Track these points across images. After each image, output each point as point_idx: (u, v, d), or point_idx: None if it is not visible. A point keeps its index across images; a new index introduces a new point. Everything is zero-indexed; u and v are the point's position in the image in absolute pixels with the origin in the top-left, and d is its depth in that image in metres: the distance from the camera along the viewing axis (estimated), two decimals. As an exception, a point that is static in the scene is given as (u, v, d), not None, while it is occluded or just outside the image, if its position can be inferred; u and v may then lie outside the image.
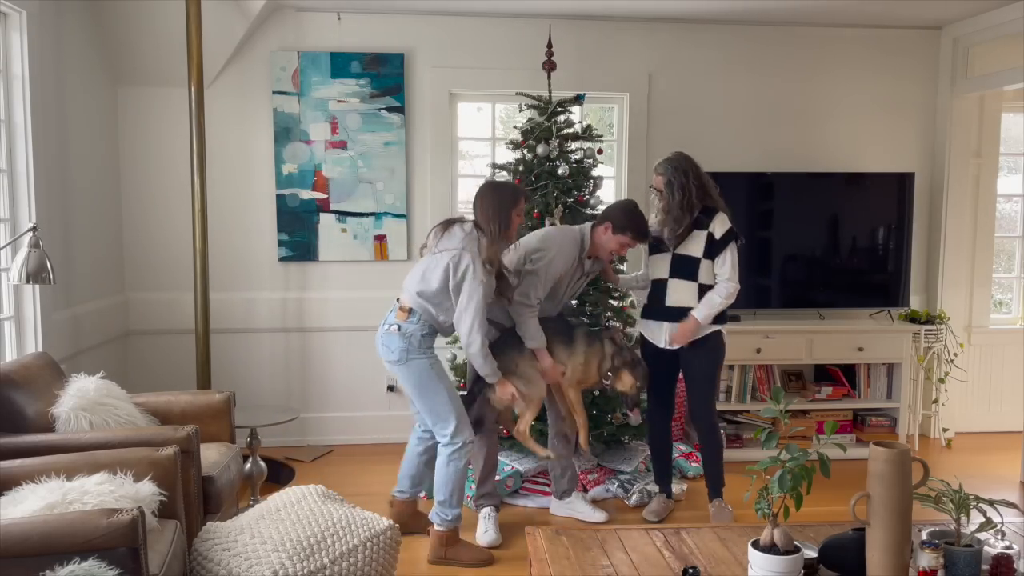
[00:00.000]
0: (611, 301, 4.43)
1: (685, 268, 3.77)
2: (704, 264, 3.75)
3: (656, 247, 3.87)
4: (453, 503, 3.52)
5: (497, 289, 3.51)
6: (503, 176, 4.52)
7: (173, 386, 4.44)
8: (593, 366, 3.76)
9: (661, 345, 3.85)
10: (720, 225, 3.75)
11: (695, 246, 3.74)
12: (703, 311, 3.74)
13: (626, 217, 3.71)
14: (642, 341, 3.97)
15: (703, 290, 3.77)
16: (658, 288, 3.85)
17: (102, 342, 4.45)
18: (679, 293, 3.79)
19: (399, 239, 5.02)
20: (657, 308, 3.85)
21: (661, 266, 3.84)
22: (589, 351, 3.76)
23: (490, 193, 3.50)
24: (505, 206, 3.45)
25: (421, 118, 5.02)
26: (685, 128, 5.14)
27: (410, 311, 3.47)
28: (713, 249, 3.74)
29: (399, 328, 3.47)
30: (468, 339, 3.40)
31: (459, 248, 3.39)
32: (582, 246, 3.76)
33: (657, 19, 5.05)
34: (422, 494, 4.02)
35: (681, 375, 3.95)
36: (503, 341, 3.67)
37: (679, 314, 3.79)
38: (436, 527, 3.53)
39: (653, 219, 3.86)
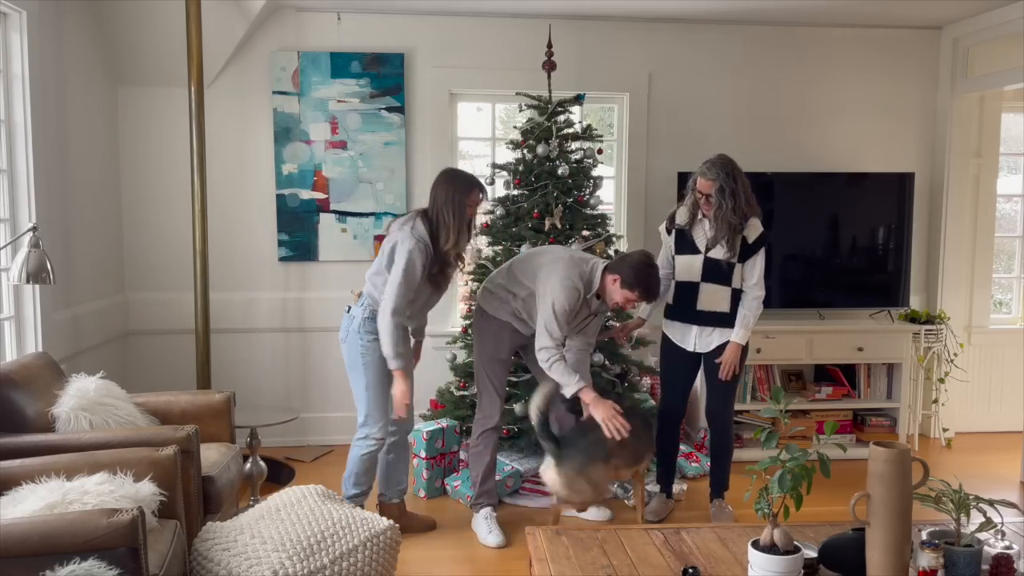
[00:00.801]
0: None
1: (719, 272, 3.74)
2: (736, 269, 3.73)
3: (684, 247, 3.80)
4: (349, 484, 3.66)
5: (435, 280, 3.53)
6: (503, 176, 4.53)
7: (173, 386, 4.44)
8: (603, 481, 3.51)
9: (689, 348, 3.83)
10: (754, 230, 3.72)
11: (721, 249, 3.71)
12: (741, 333, 3.73)
13: (636, 275, 3.45)
14: (663, 339, 3.93)
15: (735, 294, 3.74)
16: (688, 290, 3.79)
17: (102, 342, 4.45)
18: (712, 296, 3.75)
19: (399, 239, 5.02)
20: (687, 311, 3.80)
21: (691, 268, 3.77)
22: (586, 475, 3.43)
23: (444, 183, 3.53)
24: (458, 196, 3.47)
25: (421, 118, 5.02)
26: (685, 128, 5.14)
27: (360, 295, 3.62)
28: (744, 253, 3.72)
29: (348, 309, 3.64)
30: (382, 316, 3.43)
31: (404, 231, 3.48)
32: (589, 285, 3.53)
33: (657, 19, 5.05)
34: (422, 493, 4.05)
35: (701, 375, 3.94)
36: (576, 434, 3.53)
37: (711, 318, 3.76)
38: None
39: (683, 213, 3.81)
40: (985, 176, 5.37)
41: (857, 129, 5.31)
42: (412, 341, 3.73)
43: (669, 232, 3.90)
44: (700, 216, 3.78)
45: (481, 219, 4.65)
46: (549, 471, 3.41)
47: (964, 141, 5.27)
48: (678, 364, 3.87)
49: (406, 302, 3.43)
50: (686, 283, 3.80)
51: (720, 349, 3.77)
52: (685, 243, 3.81)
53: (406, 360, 3.52)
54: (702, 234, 3.77)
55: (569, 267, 3.52)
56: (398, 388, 3.51)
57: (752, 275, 3.74)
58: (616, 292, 3.50)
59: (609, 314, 4.11)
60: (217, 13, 4.44)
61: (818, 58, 5.25)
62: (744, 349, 3.78)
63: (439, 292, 3.65)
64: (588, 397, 3.47)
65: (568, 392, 3.48)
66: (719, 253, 3.71)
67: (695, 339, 3.82)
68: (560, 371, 3.46)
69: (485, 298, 3.74)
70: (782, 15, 4.99)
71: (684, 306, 3.81)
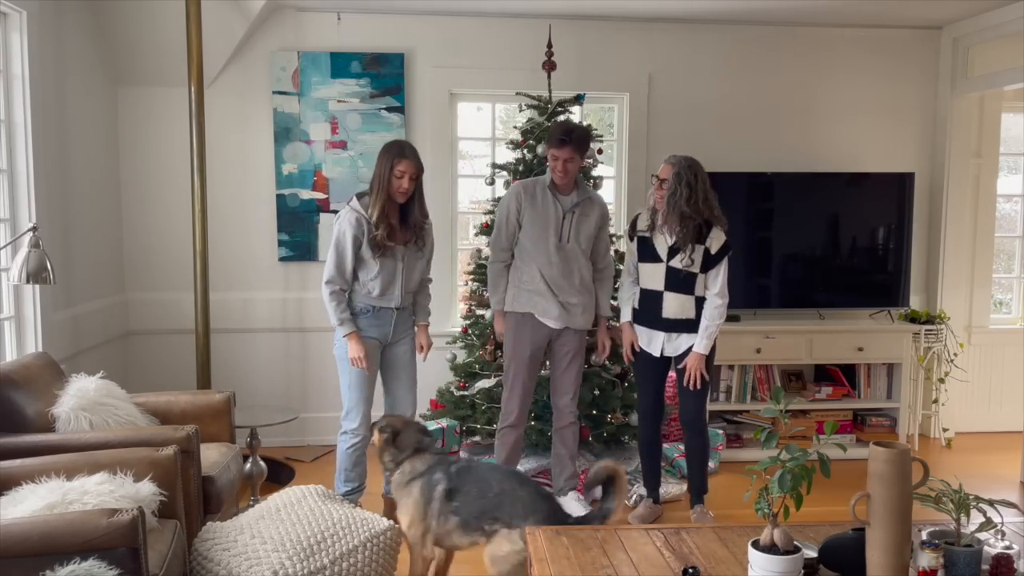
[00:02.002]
0: (612, 301, 4.42)
1: (681, 282, 3.75)
2: (699, 278, 3.74)
3: (646, 254, 3.79)
4: (340, 481, 3.76)
5: (381, 250, 3.56)
6: (503, 176, 4.52)
7: (173, 386, 4.44)
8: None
9: (656, 354, 3.85)
10: (716, 240, 3.72)
11: (684, 256, 3.71)
12: (703, 343, 3.75)
13: (549, 130, 3.76)
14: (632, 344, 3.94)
15: (699, 302, 3.76)
16: (652, 298, 3.80)
17: (102, 342, 4.45)
18: (676, 304, 3.77)
19: (399, 239, 5.02)
20: (653, 318, 3.82)
21: (654, 277, 3.78)
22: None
23: (380, 152, 3.59)
24: (384, 163, 3.52)
25: (421, 118, 5.02)
26: (685, 128, 5.14)
27: None
28: (708, 263, 3.73)
29: None
30: (322, 289, 3.61)
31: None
32: (543, 180, 3.78)
33: (657, 19, 5.05)
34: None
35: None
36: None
37: (677, 325, 3.79)
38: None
39: (644, 218, 3.82)
40: (985, 176, 5.37)
41: (857, 129, 5.30)
42: (413, 323, 3.82)
43: (632, 238, 3.87)
44: (658, 216, 3.74)
45: (482, 219, 4.65)
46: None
47: (964, 141, 5.27)
48: (647, 368, 3.89)
49: (338, 272, 3.57)
50: (651, 291, 3.81)
51: (689, 353, 3.80)
52: (647, 250, 3.79)
53: (352, 324, 3.61)
54: (663, 241, 3.75)
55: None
56: (351, 350, 3.59)
57: (715, 285, 3.74)
58: (549, 160, 3.73)
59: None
60: (217, 13, 4.44)
61: (818, 58, 5.25)
62: (712, 351, 3.80)
63: (394, 263, 3.62)
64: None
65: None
66: (678, 262, 3.71)
67: (663, 343, 3.83)
68: (492, 276, 3.91)
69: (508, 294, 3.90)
70: (782, 15, 4.99)
71: (649, 313, 3.82)
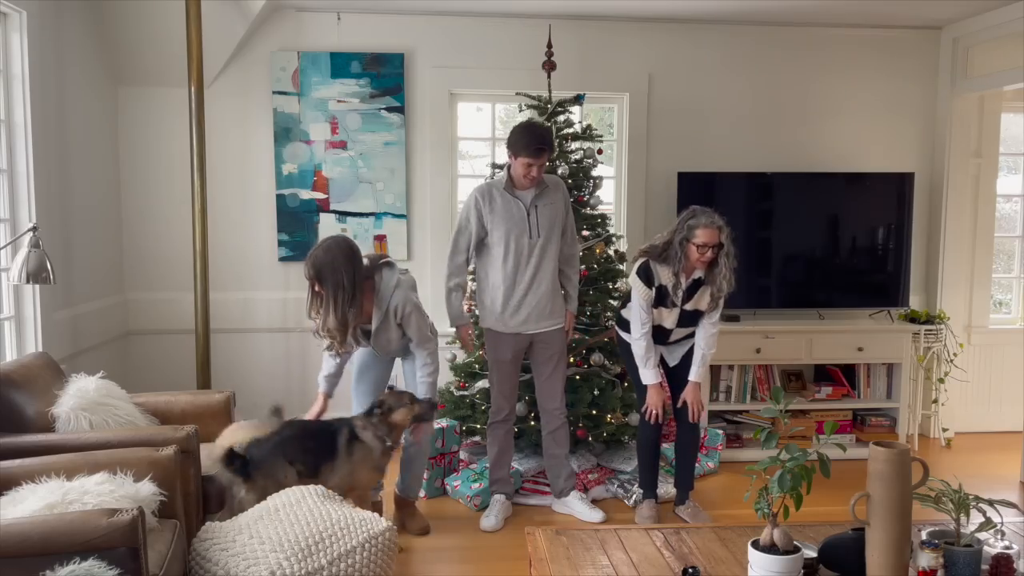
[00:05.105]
0: (611, 301, 4.43)
1: (691, 318, 3.78)
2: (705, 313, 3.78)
3: (660, 300, 3.69)
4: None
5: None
6: (500, 175, 4.51)
7: (173, 386, 4.44)
8: (365, 468, 3.41)
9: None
10: (733, 284, 3.72)
11: (702, 301, 3.72)
12: (700, 371, 3.78)
13: (516, 138, 3.60)
14: (628, 353, 3.89)
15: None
16: (661, 331, 3.79)
17: (102, 342, 4.45)
18: (682, 332, 3.83)
19: (399, 239, 5.02)
20: (656, 340, 3.80)
21: (668, 318, 3.76)
22: (354, 460, 3.38)
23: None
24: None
25: (421, 118, 5.02)
26: (685, 128, 5.14)
27: None
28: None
29: None
30: None
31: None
32: (498, 183, 3.75)
33: (657, 19, 5.05)
34: (422, 494, 4.07)
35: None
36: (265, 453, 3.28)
37: (679, 342, 3.86)
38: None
39: (666, 275, 3.63)
40: (985, 176, 5.37)
41: (857, 129, 5.31)
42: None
43: (650, 287, 3.66)
44: (683, 278, 3.62)
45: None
46: (238, 488, 3.18)
47: (964, 141, 5.27)
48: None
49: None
50: (661, 327, 3.79)
51: (686, 359, 3.83)
52: (663, 297, 3.71)
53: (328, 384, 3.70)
54: (679, 287, 3.67)
55: None
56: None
57: (715, 315, 3.76)
58: (516, 167, 3.65)
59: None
60: (217, 13, 4.44)
61: (818, 58, 5.25)
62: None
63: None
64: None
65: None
66: (693, 305, 3.72)
67: (663, 354, 3.88)
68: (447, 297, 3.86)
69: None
70: (782, 15, 4.99)
71: (654, 338, 3.79)
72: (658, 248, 3.66)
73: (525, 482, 4.24)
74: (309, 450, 3.31)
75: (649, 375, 3.75)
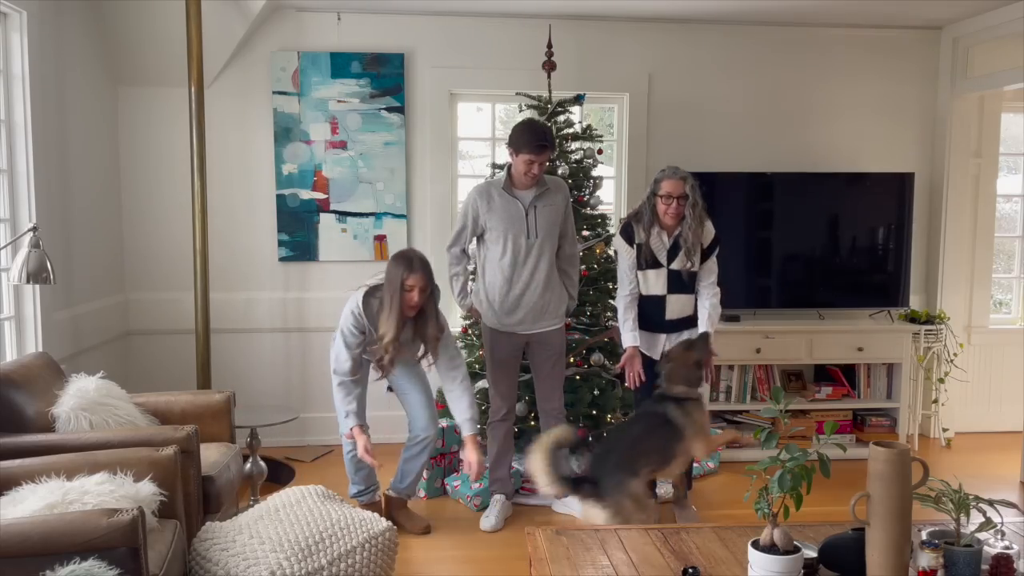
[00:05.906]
0: (611, 300, 4.43)
1: (683, 283, 3.76)
2: (697, 274, 3.77)
3: (646, 261, 3.74)
4: (350, 484, 3.82)
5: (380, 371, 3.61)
6: (500, 175, 4.51)
7: (173, 386, 4.44)
8: (703, 415, 3.52)
9: (656, 356, 3.84)
10: (708, 234, 3.75)
11: (692, 262, 3.72)
12: (711, 324, 3.75)
13: (518, 135, 3.65)
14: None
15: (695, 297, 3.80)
16: (655, 304, 3.79)
17: (102, 342, 4.45)
18: (678, 305, 3.79)
19: (399, 239, 5.02)
20: (656, 322, 3.81)
21: (656, 283, 3.76)
22: (695, 418, 3.45)
23: (388, 264, 3.53)
24: (395, 276, 3.43)
25: (421, 118, 5.02)
26: (685, 128, 5.14)
27: None
28: (702, 256, 3.74)
29: None
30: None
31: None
32: (497, 183, 3.76)
33: (657, 19, 5.05)
34: (422, 494, 4.07)
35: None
36: (597, 465, 3.43)
37: (679, 324, 3.81)
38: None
39: (640, 231, 3.73)
40: (985, 176, 5.37)
41: (857, 129, 5.31)
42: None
43: (631, 246, 3.76)
44: (657, 228, 3.71)
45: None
46: (594, 511, 3.23)
47: (964, 141, 5.27)
48: (647, 371, 3.84)
49: (347, 367, 3.55)
50: (653, 297, 3.78)
51: None
52: (646, 258, 3.74)
53: (357, 417, 3.57)
54: (661, 246, 3.73)
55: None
56: (358, 445, 3.52)
57: (711, 275, 3.77)
58: (517, 164, 3.66)
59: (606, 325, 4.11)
60: (217, 13, 4.44)
61: (818, 58, 5.25)
62: (710, 353, 3.70)
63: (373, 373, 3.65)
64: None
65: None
66: (678, 264, 3.72)
67: (664, 344, 3.82)
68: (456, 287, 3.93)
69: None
70: (782, 15, 4.99)
71: (652, 318, 3.81)
72: (636, 209, 3.79)
73: (525, 482, 4.24)
74: (655, 448, 3.38)
75: (628, 337, 3.79)
